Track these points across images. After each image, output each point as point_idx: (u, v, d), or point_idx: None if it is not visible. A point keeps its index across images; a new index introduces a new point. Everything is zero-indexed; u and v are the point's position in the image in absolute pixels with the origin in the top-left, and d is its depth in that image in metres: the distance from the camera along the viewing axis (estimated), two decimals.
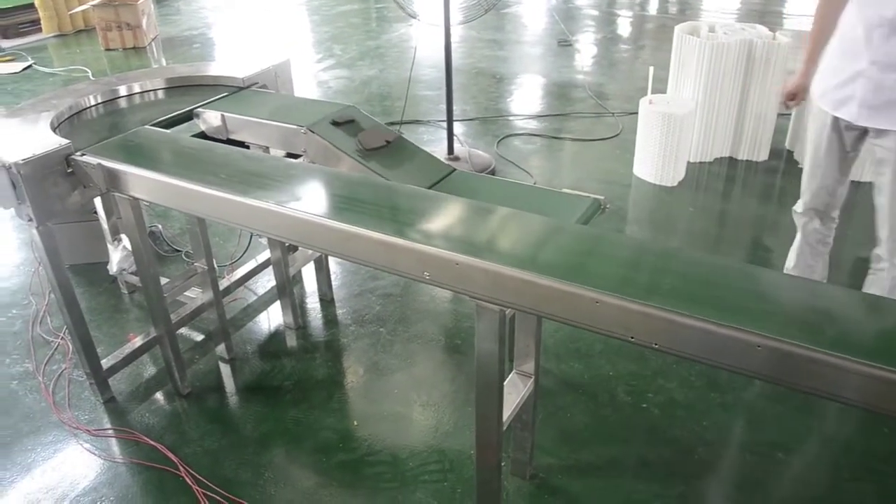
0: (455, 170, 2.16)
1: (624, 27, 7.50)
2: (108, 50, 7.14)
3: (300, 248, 3.18)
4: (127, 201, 2.26)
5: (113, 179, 2.17)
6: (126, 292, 3.36)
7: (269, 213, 1.81)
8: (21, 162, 2.08)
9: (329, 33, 7.64)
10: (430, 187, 2.00)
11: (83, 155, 2.21)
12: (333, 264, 3.32)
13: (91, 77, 7.17)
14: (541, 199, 1.88)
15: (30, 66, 6.69)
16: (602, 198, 1.87)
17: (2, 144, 2.23)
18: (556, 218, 1.70)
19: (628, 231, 3.58)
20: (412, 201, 1.82)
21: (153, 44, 7.34)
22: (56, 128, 2.46)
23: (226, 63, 3.00)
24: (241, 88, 2.80)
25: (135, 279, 3.26)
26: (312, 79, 6.23)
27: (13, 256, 3.70)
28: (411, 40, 7.22)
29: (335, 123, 2.37)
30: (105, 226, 3.13)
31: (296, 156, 2.38)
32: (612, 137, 4.71)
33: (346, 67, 6.64)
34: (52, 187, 2.17)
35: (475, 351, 1.64)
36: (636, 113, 4.36)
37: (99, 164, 2.15)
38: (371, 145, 2.24)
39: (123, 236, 3.15)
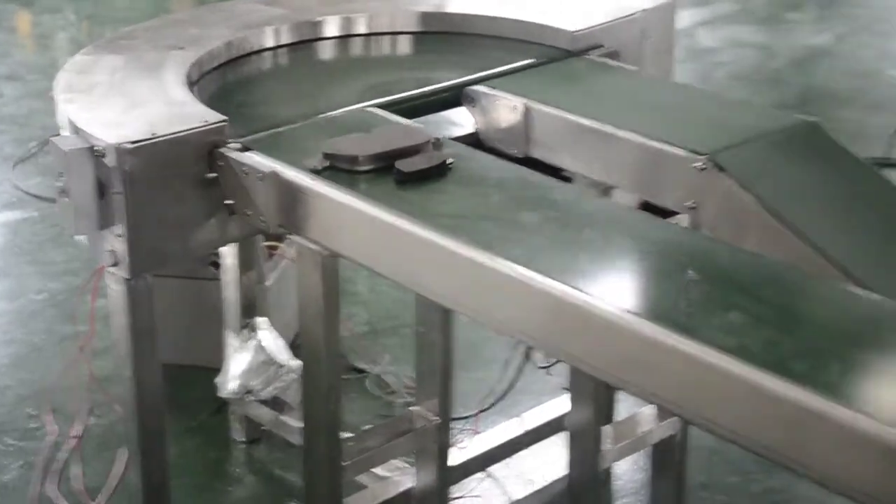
0: None
1: None
2: None
3: (629, 416, 3.18)
4: (315, 256, 2.34)
5: (295, 206, 2.28)
6: (242, 439, 3.54)
7: (585, 314, 1.85)
8: (128, 147, 2.24)
9: None
10: None
11: (245, 149, 2.35)
12: (695, 459, 3.25)
13: None
14: None
15: None
16: None
17: (86, 105, 2.43)
18: None
19: None
20: None
21: None
22: (194, 84, 2.66)
23: None
24: (567, 54, 2.88)
25: (266, 414, 3.41)
26: (680, 43, 6.32)
27: (26, 325, 4.07)
28: None
29: (771, 157, 2.40)
30: (230, 296, 3.33)
31: (666, 212, 2.40)
32: None
33: (758, 24, 6.68)
34: (172, 204, 2.32)
35: None
36: None
37: (274, 174, 2.27)
38: None
39: (262, 323, 3.34)
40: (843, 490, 1.61)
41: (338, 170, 2.23)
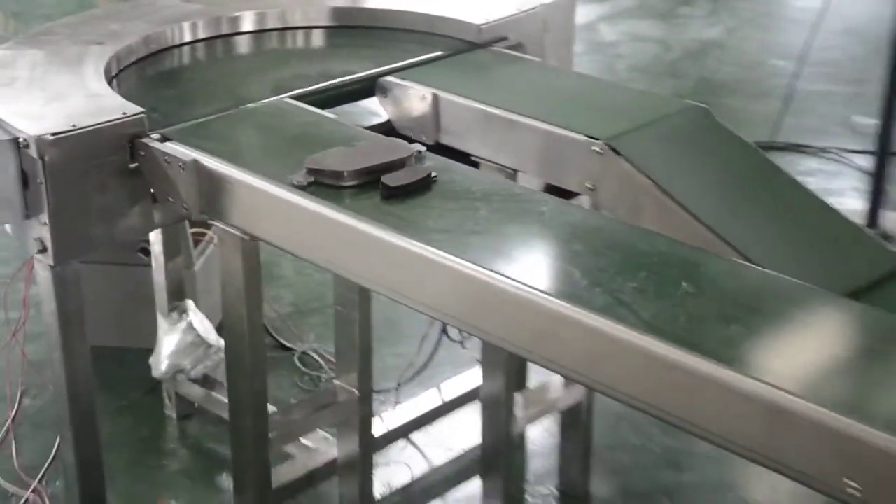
0: None
1: None
2: None
3: (540, 384, 3.22)
4: (235, 240, 2.32)
5: (215, 193, 2.25)
6: (174, 415, 3.52)
7: (496, 293, 1.86)
8: (49, 138, 2.19)
9: None
10: (853, 293, 1.99)
11: (165, 140, 2.31)
12: (601, 423, 3.32)
13: None
14: None
15: None
16: None
17: (7, 98, 2.38)
18: None
19: None
20: (824, 321, 1.83)
21: None
22: (114, 78, 2.61)
23: None
24: (473, 46, 2.87)
25: (197, 392, 3.40)
26: (583, 37, 6.37)
27: None
28: None
29: (663, 141, 2.40)
30: (159, 281, 3.30)
31: (567, 194, 2.40)
32: None
33: (656, 19, 6.75)
34: (95, 193, 2.27)
35: None
36: None
37: (194, 162, 2.23)
38: None
39: (191, 306, 3.31)
40: (731, 447, 1.63)
41: (322, 185, 2.12)
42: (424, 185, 2.12)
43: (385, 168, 2.11)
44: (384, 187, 2.07)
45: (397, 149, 2.20)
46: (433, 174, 2.13)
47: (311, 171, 2.12)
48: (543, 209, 2.10)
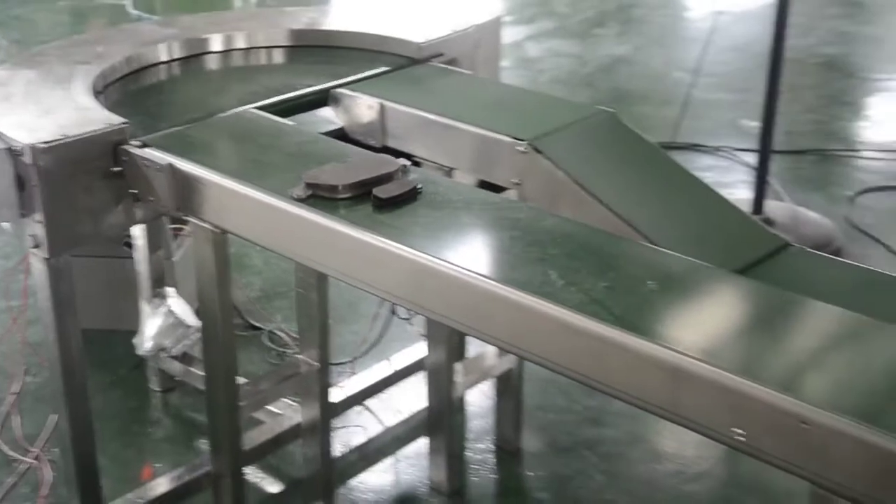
0: (788, 244, 2.19)
1: None
2: None
3: (477, 354, 3.23)
4: (207, 233, 2.32)
5: (188, 193, 2.24)
6: (158, 388, 3.50)
7: (436, 276, 1.87)
8: (41, 146, 2.18)
9: None
10: (741, 270, 2.03)
11: (144, 146, 2.30)
12: (531, 387, 3.35)
13: (132, 7, 7.75)
14: None
15: None
16: None
17: (5, 112, 2.36)
18: None
19: None
20: (717, 294, 1.85)
21: None
22: (100, 94, 2.59)
23: (387, 15, 3.09)
24: (414, 62, 2.87)
25: (177, 367, 3.39)
26: (512, 54, 6.41)
27: None
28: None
29: (579, 141, 2.41)
30: (142, 270, 3.28)
31: (498, 188, 2.41)
32: None
33: (573, 38, 6.80)
34: (83, 194, 2.26)
35: None
36: None
37: (169, 166, 2.22)
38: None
39: (171, 292, 3.28)
40: (640, 404, 1.66)
41: (319, 197, 2.07)
42: (411, 196, 2.08)
43: (375, 181, 2.07)
44: (375, 199, 2.03)
45: (385, 164, 2.16)
46: (419, 186, 2.09)
47: (309, 185, 2.07)
48: (520, 216, 2.08)
